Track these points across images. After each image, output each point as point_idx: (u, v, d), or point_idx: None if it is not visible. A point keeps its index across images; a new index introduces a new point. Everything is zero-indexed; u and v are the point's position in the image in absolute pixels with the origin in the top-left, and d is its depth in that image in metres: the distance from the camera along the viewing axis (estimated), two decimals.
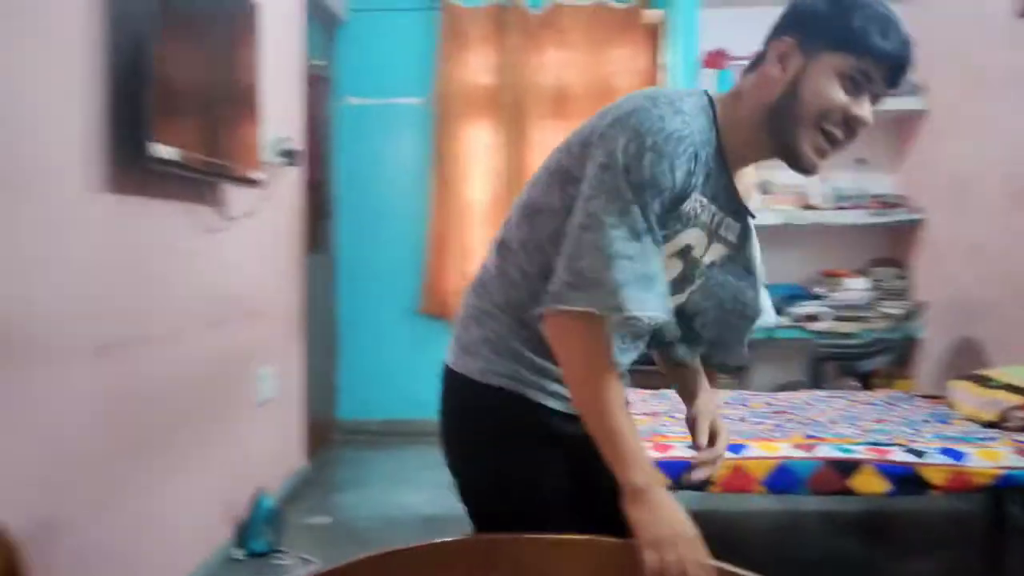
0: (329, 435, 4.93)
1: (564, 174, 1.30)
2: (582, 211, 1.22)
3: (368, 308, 5.08)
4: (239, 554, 3.04)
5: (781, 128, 1.25)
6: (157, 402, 2.51)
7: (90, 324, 2.13)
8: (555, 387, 1.38)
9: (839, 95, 1.22)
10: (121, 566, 2.32)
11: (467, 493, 1.43)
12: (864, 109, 1.23)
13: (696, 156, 1.23)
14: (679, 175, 1.21)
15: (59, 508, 2.00)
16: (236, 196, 3.04)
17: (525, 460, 1.38)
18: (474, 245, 4.97)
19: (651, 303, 1.20)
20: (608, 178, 1.20)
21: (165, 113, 2.22)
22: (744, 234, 1.42)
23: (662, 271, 1.24)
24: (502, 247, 1.40)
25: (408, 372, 4.86)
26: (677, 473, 2.45)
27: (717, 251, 1.40)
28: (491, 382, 1.37)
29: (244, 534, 3.08)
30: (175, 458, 2.65)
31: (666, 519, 1.20)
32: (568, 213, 1.26)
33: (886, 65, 1.21)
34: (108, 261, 2.20)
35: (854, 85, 1.22)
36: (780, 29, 1.28)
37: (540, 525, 1.29)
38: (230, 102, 2.78)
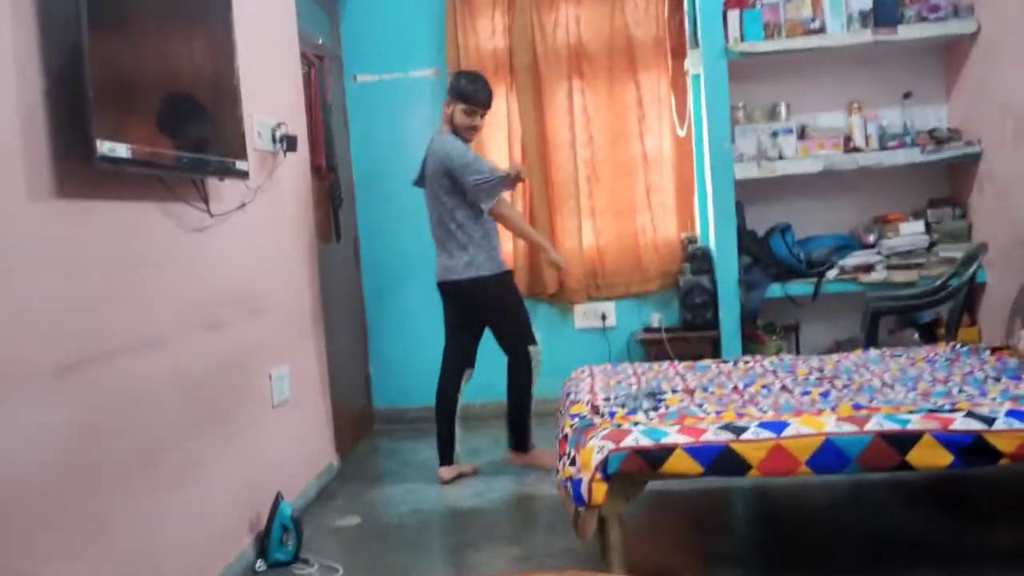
0: (369, 426, 4.82)
1: (450, 187, 3.62)
2: (474, 176, 3.55)
3: (395, 293, 4.90)
4: (260, 565, 2.89)
5: (456, 132, 3.68)
6: (146, 415, 2.34)
7: (48, 343, 1.96)
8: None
9: (467, 119, 3.66)
10: None
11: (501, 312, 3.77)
12: (479, 121, 3.70)
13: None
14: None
15: (28, 551, 1.84)
16: (224, 189, 2.85)
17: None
18: None
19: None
20: (474, 166, 3.58)
21: (113, 108, 2.03)
22: None
23: None
24: (445, 221, 3.68)
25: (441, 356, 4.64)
26: (709, 460, 2.22)
27: None
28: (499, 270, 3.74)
29: (264, 543, 2.92)
30: (176, 472, 2.48)
31: (559, 255, 3.93)
32: (461, 195, 3.62)
33: (481, 105, 3.67)
34: (60, 272, 2.01)
35: (470, 114, 3.65)
36: (449, 93, 3.71)
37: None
38: (202, 90, 2.58)
